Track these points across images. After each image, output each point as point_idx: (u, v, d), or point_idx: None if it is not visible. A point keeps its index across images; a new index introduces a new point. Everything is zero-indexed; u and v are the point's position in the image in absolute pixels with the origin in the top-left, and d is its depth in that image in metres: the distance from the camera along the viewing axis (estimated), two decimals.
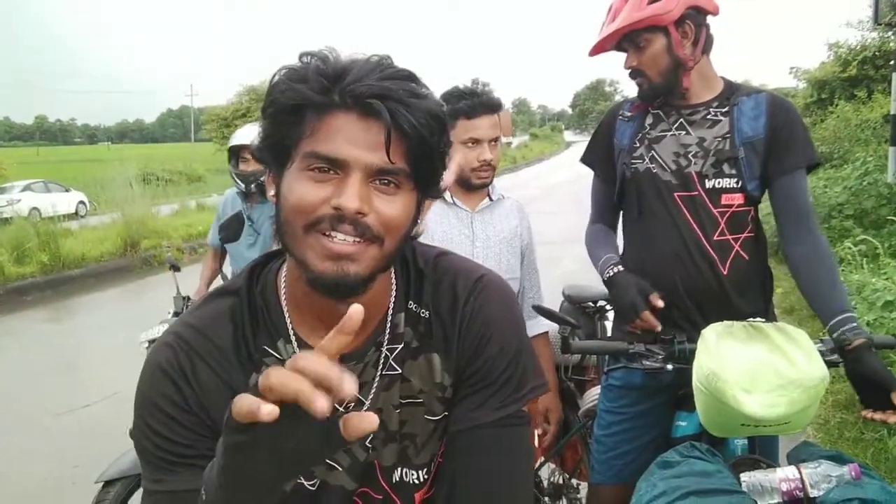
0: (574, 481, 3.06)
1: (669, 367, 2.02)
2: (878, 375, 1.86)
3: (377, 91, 0.96)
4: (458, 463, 1.11)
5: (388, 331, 1.12)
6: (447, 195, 2.55)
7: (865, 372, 1.89)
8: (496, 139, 2.50)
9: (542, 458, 3.06)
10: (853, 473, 1.72)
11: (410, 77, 1.00)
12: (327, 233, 0.98)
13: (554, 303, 2.87)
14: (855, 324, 1.94)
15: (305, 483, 1.12)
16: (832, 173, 9.96)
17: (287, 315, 1.10)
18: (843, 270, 5.65)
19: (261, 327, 1.10)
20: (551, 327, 2.78)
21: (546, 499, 3.11)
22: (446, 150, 1.05)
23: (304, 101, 0.97)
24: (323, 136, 0.97)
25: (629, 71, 2.16)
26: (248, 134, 3.59)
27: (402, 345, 1.13)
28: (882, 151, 9.89)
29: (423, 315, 1.14)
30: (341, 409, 1.09)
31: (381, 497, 1.16)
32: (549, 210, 15.15)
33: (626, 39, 2.12)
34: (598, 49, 2.20)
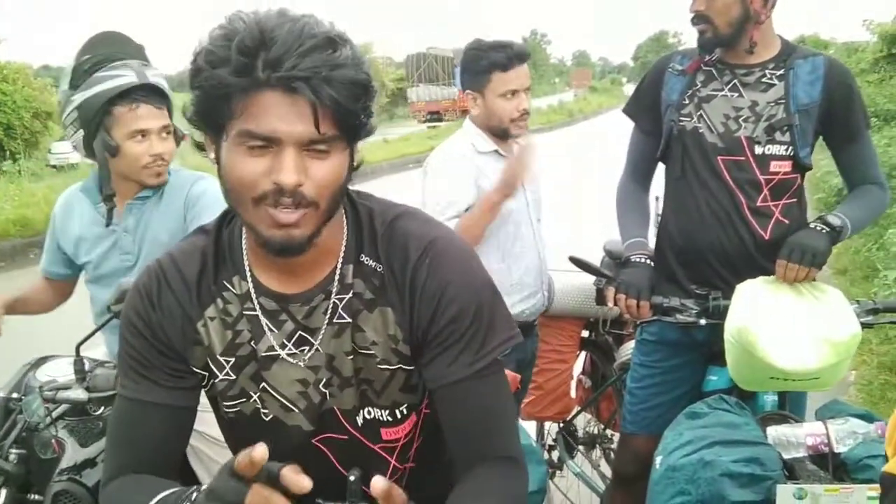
0: (608, 432, 3.11)
1: (703, 321, 2.03)
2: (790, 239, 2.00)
3: (297, 73, 1.00)
4: (443, 416, 1.20)
5: (336, 280, 1.19)
6: (498, 149, 2.56)
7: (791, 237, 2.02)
8: (529, 88, 2.53)
9: (578, 408, 3.13)
10: (879, 431, 1.73)
11: (330, 43, 1.03)
12: (270, 208, 1.06)
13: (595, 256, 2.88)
14: (836, 215, 2.06)
15: (261, 410, 1.23)
16: None
17: (246, 256, 1.20)
18: None
19: (223, 264, 1.22)
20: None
21: (581, 447, 3.18)
22: (371, 106, 1.10)
23: (227, 87, 1.01)
24: (253, 114, 1.02)
25: (693, 16, 2.09)
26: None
27: (350, 295, 1.19)
28: None
29: (378, 270, 1.19)
30: (289, 346, 1.19)
31: (346, 437, 1.25)
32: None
33: None
34: None
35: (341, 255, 1.20)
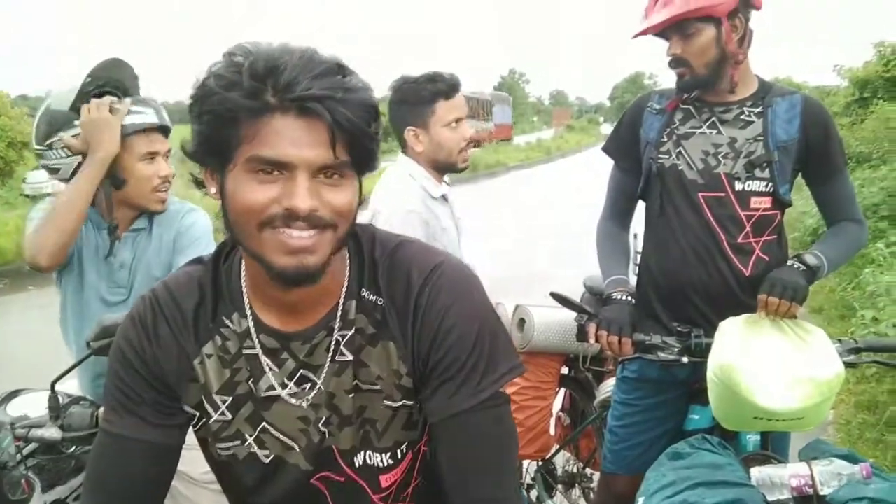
0: (588, 470, 3.08)
1: (685, 360, 2.02)
2: (770, 276, 2.02)
3: (314, 93, 0.98)
4: (443, 451, 1.16)
5: (339, 317, 1.16)
6: (440, 190, 2.49)
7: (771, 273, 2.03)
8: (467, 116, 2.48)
9: (557, 447, 3.09)
10: (864, 472, 1.72)
11: (340, 69, 1.03)
12: (281, 229, 1.02)
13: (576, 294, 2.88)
14: (813, 254, 2.08)
15: (259, 452, 1.19)
16: (869, 173, 9.76)
17: (245, 292, 1.17)
18: (873, 272, 5.57)
19: (221, 300, 1.18)
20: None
21: (560, 486, 3.14)
22: (380, 133, 1.08)
23: (238, 109, 0.99)
24: (264, 139, 0.99)
25: (671, 59, 2.10)
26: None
27: (353, 331, 1.16)
28: None
29: (378, 303, 1.16)
30: (290, 386, 1.16)
31: (343, 479, 1.21)
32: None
33: (673, 27, 2.05)
34: (643, 33, 2.13)
35: (344, 290, 1.17)
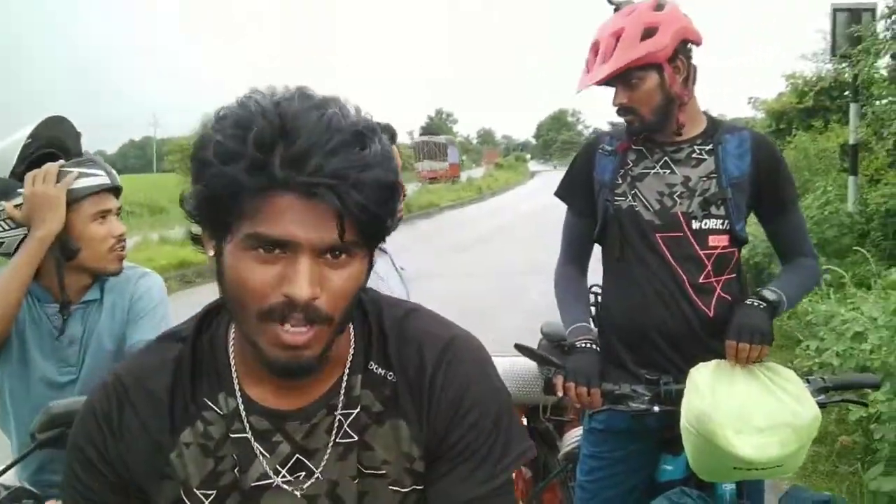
0: None
1: (656, 408, 1.96)
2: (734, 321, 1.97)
3: (324, 180, 0.87)
4: None
5: (342, 393, 1.05)
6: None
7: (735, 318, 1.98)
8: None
9: (521, 502, 2.99)
10: None
11: (358, 139, 0.91)
12: (279, 325, 0.93)
13: (528, 337, 2.79)
14: (771, 290, 2.04)
15: None
16: None
17: (234, 368, 1.04)
18: (810, 301, 5.66)
19: (203, 378, 1.05)
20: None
21: None
22: (397, 207, 0.99)
23: (238, 186, 0.88)
24: (266, 216, 0.89)
25: (618, 108, 2.09)
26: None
27: (357, 409, 1.05)
28: (841, 180, 10.01)
29: (389, 378, 1.06)
30: (283, 473, 1.03)
31: None
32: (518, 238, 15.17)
33: (616, 77, 2.04)
34: (585, 86, 2.11)
35: (348, 363, 1.06)
